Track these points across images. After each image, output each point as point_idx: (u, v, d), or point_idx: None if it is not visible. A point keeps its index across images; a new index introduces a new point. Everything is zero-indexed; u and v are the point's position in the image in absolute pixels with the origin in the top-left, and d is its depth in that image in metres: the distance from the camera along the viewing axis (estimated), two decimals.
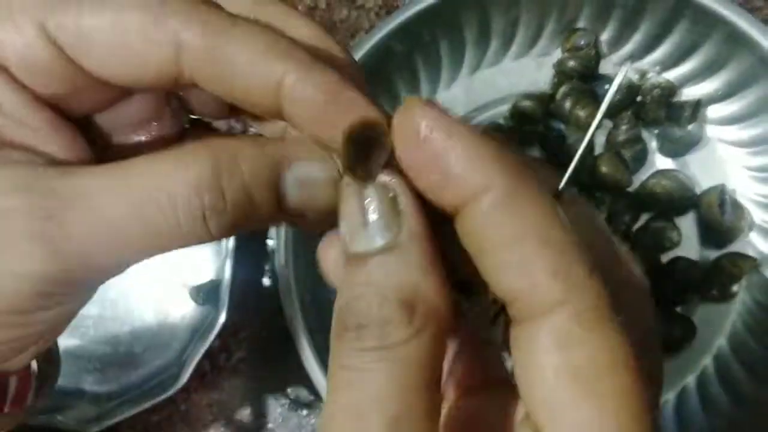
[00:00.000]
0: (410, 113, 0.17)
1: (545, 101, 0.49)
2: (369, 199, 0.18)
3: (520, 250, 0.16)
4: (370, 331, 0.16)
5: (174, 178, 0.18)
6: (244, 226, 0.19)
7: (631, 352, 0.15)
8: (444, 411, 0.21)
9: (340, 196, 0.18)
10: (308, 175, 0.19)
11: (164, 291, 0.52)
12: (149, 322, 0.52)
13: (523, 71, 0.51)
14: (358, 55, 0.47)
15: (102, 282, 0.20)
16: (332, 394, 0.17)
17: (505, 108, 0.50)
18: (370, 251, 0.17)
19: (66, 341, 0.52)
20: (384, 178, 0.18)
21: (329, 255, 0.21)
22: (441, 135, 0.16)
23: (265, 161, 0.19)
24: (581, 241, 0.16)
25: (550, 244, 0.16)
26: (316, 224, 0.20)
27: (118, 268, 0.20)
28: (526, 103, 0.49)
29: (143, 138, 0.22)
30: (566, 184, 0.20)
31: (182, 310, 0.52)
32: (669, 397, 0.46)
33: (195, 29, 0.18)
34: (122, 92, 0.21)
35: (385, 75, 0.49)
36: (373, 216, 0.17)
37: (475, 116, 0.51)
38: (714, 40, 0.46)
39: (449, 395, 0.22)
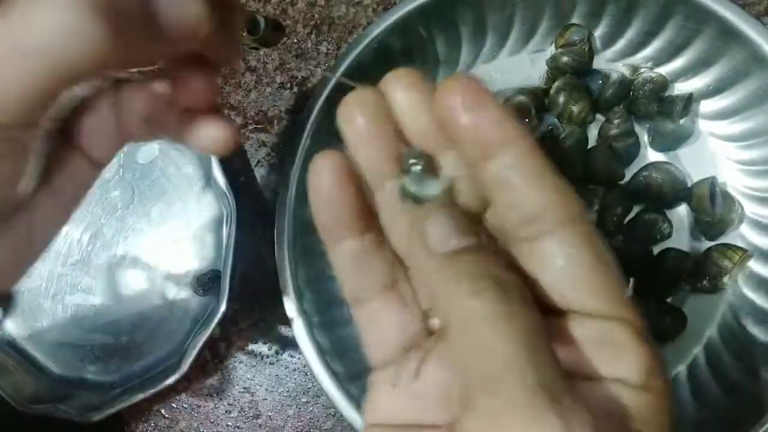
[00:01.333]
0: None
1: (539, 96, 0.50)
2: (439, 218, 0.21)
3: (547, 181, 0.20)
4: (511, 288, 0.19)
5: None
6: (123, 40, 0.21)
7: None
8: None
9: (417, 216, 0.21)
10: None
11: (165, 281, 0.53)
12: (151, 312, 0.53)
13: (517, 67, 0.52)
14: (355, 51, 0.47)
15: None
16: (487, 340, 0.19)
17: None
18: (457, 248, 0.20)
19: (68, 331, 0.53)
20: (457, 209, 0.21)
21: None
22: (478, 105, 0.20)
23: None
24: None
25: (555, 176, 0.20)
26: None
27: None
28: (521, 98, 0.49)
29: None
30: None
31: (183, 300, 0.53)
32: None
33: None
34: None
35: (382, 71, 0.49)
36: (449, 223, 0.21)
37: None
38: (706, 35, 0.47)
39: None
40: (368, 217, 0.23)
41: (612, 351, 0.20)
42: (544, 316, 0.20)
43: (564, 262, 0.20)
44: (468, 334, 0.19)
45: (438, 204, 0.21)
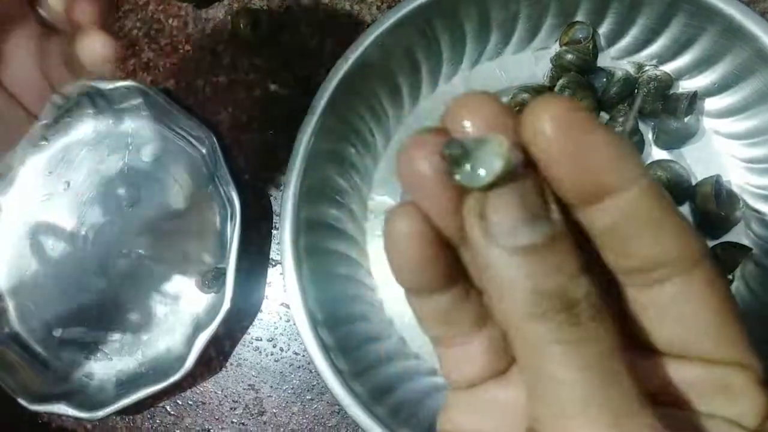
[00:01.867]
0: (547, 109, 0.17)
1: (543, 93, 0.50)
2: (519, 195, 0.18)
3: (672, 223, 0.18)
4: (581, 302, 0.17)
5: None
6: None
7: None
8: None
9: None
10: None
11: (170, 279, 0.53)
12: (155, 310, 0.53)
13: (522, 64, 0.52)
14: (359, 49, 0.48)
15: None
16: (554, 370, 0.17)
17: (504, 101, 0.51)
18: (534, 243, 0.17)
19: (74, 329, 0.54)
20: (528, 182, 0.18)
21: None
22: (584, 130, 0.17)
23: None
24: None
25: (681, 217, 0.18)
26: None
27: None
28: (524, 96, 0.49)
29: None
30: None
31: (188, 297, 0.53)
32: None
33: None
34: None
35: (386, 68, 0.50)
36: (526, 211, 0.18)
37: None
38: (711, 33, 0.47)
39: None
40: (454, 270, 0.20)
41: (728, 396, 0.19)
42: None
43: (683, 310, 0.19)
44: (532, 361, 0.18)
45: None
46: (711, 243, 0.48)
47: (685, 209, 0.49)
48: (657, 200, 0.18)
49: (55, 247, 0.55)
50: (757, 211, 0.48)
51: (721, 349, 0.19)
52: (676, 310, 0.19)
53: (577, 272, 0.18)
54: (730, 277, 0.47)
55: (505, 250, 0.17)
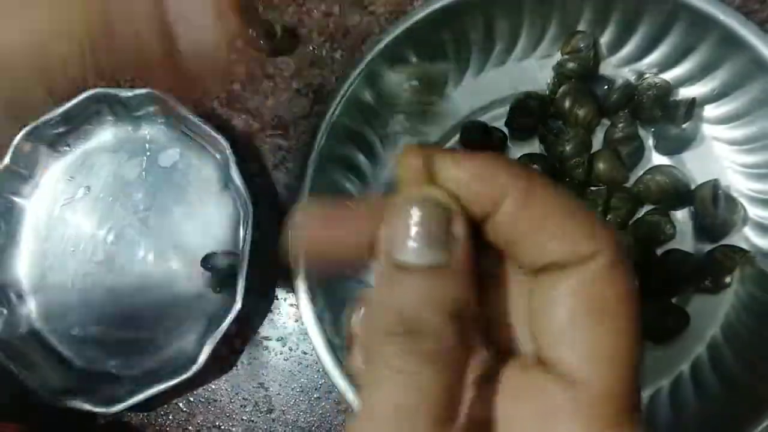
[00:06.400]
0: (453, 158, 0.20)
1: (545, 100, 0.51)
2: (421, 214, 0.19)
3: (554, 224, 0.19)
4: (426, 336, 0.18)
5: None
6: None
7: (637, 290, 0.20)
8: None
9: (389, 206, 0.20)
10: None
11: (184, 279, 0.55)
12: (170, 309, 0.55)
13: (525, 72, 0.53)
14: (367, 59, 0.49)
15: None
16: (375, 392, 0.18)
17: (507, 108, 0.52)
18: (418, 265, 0.19)
19: (92, 326, 0.56)
20: (443, 200, 0.20)
21: None
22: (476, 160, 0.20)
23: None
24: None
25: (575, 214, 0.20)
26: None
27: None
28: (528, 102, 0.51)
29: None
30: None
31: (201, 297, 0.55)
32: (664, 384, 0.48)
33: None
34: None
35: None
36: (431, 232, 0.19)
37: (479, 115, 0.53)
38: (709, 42, 0.48)
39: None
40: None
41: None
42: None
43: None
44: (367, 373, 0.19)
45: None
46: (710, 246, 0.49)
47: (684, 213, 0.50)
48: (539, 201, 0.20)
49: (75, 248, 0.57)
50: (755, 215, 0.49)
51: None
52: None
53: (450, 314, 0.19)
54: (728, 280, 0.48)
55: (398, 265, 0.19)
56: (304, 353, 0.54)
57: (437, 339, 0.18)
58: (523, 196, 0.19)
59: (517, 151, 0.52)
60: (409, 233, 0.19)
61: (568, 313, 0.19)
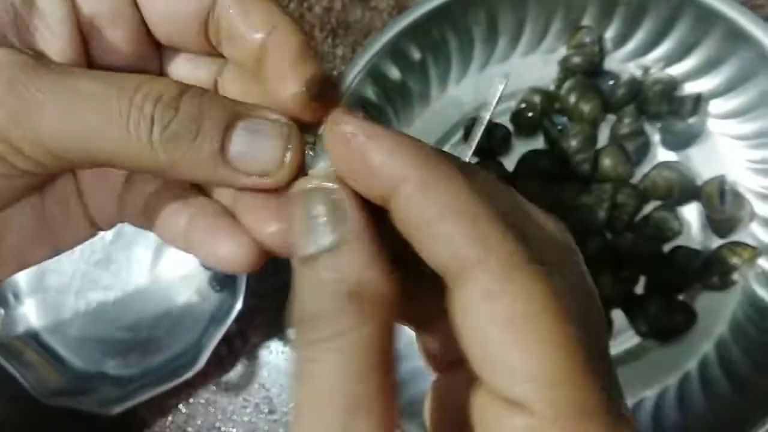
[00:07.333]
0: (336, 122, 0.19)
1: (551, 96, 0.51)
2: (314, 203, 0.19)
3: (442, 226, 0.18)
4: (323, 321, 0.18)
5: (139, 85, 0.20)
6: (182, 166, 0.20)
7: (553, 297, 0.17)
8: (428, 389, 0.24)
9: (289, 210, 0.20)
10: (258, 127, 0.21)
11: (184, 279, 0.55)
12: (169, 309, 0.54)
13: (530, 67, 0.53)
14: (370, 54, 0.49)
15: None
16: (295, 386, 0.18)
17: (512, 103, 0.52)
18: (319, 251, 0.19)
19: (90, 326, 0.55)
20: (326, 184, 0.20)
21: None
22: (363, 137, 0.19)
23: (225, 104, 0.21)
24: (493, 209, 0.18)
25: (463, 216, 0.17)
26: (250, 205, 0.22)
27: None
28: (533, 98, 0.50)
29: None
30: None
31: (201, 297, 0.54)
32: (671, 382, 0.48)
33: None
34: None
35: (395, 73, 0.51)
36: (319, 219, 0.19)
37: (483, 110, 0.53)
38: (715, 36, 0.47)
39: (430, 374, 0.24)
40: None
41: None
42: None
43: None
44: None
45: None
46: (717, 243, 0.49)
47: (691, 209, 0.50)
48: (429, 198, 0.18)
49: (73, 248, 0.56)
50: (762, 211, 0.48)
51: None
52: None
53: (347, 294, 0.18)
54: (736, 277, 0.47)
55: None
56: None
57: (334, 322, 0.18)
58: (420, 187, 0.18)
59: (521, 146, 0.51)
60: (300, 226, 0.19)
61: (480, 332, 0.17)
